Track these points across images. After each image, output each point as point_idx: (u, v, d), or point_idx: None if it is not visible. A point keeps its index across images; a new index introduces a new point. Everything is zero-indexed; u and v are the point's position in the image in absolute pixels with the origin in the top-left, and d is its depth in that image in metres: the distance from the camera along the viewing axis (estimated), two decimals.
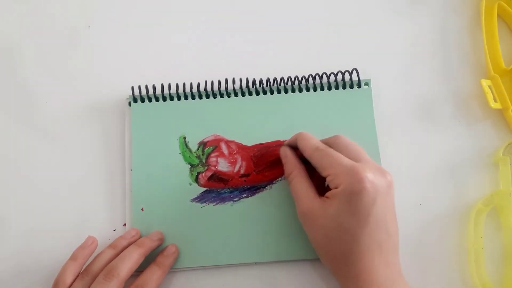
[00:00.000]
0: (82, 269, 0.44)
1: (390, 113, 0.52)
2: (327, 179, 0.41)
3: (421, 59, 0.54)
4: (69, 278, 0.43)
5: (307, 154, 0.44)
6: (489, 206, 0.48)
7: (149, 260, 0.46)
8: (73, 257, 0.44)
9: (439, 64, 0.54)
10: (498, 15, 0.55)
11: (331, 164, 0.41)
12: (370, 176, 0.39)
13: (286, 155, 0.46)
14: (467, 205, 0.49)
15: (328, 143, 0.44)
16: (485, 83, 0.51)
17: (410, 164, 0.50)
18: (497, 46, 0.54)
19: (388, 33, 0.55)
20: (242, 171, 0.49)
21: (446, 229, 0.48)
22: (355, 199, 0.39)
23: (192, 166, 0.50)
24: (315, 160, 0.43)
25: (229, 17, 0.57)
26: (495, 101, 0.51)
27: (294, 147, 0.47)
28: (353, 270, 0.40)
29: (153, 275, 0.44)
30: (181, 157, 0.50)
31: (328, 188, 0.42)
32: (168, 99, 0.52)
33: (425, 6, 0.56)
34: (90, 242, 0.46)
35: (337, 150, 0.42)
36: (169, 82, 0.52)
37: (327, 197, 0.41)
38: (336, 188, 0.40)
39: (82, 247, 0.45)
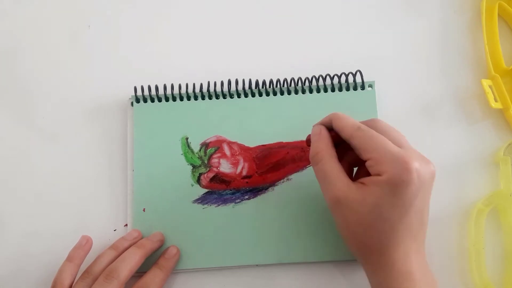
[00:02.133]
0: (84, 270, 0.44)
1: (393, 114, 0.52)
2: (368, 163, 0.38)
3: (423, 60, 0.54)
4: (67, 279, 0.43)
5: (347, 133, 0.40)
6: (490, 206, 0.48)
7: (151, 261, 0.46)
8: (69, 258, 0.45)
9: (440, 64, 0.54)
10: (499, 15, 0.55)
11: (375, 148, 0.38)
12: (417, 166, 0.36)
13: (321, 132, 0.42)
14: (468, 205, 0.49)
15: (368, 125, 0.40)
16: (486, 83, 0.51)
17: None
18: (498, 46, 0.54)
19: (390, 35, 0.55)
20: (244, 173, 0.49)
21: (446, 229, 0.49)
22: (401, 190, 0.36)
23: (194, 167, 0.50)
24: (356, 141, 0.39)
25: (232, 18, 0.57)
26: (496, 101, 0.51)
27: (327, 129, 0.43)
28: (387, 259, 0.38)
29: (155, 277, 0.44)
30: (183, 158, 0.50)
31: (360, 174, 0.40)
32: (170, 100, 0.51)
33: (426, 6, 0.56)
34: (84, 242, 0.46)
35: (379, 131, 0.40)
36: (171, 82, 0.52)
37: (363, 183, 0.38)
38: (378, 175, 0.37)
39: (76, 248, 0.46)
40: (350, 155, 0.43)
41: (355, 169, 0.44)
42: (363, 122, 0.41)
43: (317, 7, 0.57)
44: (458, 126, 0.52)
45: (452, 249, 0.48)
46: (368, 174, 0.39)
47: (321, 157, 0.41)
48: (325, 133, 0.42)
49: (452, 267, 0.48)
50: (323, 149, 0.41)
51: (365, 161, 0.39)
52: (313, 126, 0.44)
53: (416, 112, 0.52)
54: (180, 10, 0.57)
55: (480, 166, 0.51)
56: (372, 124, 0.41)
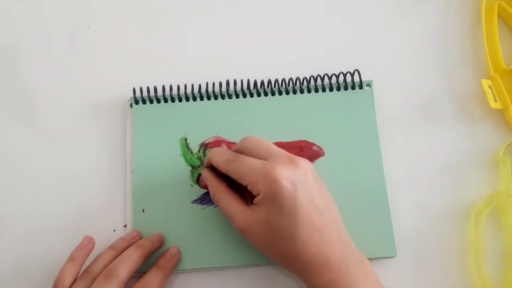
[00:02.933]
0: (82, 270, 0.44)
1: (392, 114, 0.52)
2: (248, 188, 0.41)
3: (422, 60, 0.54)
4: (68, 279, 0.43)
5: (222, 170, 0.43)
6: (489, 206, 0.48)
7: (150, 261, 0.46)
8: (71, 258, 0.45)
9: (440, 64, 0.54)
10: (498, 15, 0.55)
11: (245, 174, 0.41)
12: (282, 172, 0.39)
13: (206, 177, 0.46)
14: (467, 205, 0.49)
15: (239, 149, 0.44)
16: (485, 83, 0.51)
17: (411, 164, 0.51)
18: (497, 46, 0.54)
19: (389, 34, 0.55)
20: None
21: (446, 229, 0.49)
22: (278, 199, 0.39)
23: (193, 167, 0.50)
24: (231, 174, 0.42)
25: (230, 18, 0.57)
26: (495, 101, 0.51)
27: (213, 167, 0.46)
28: (303, 260, 0.40)
29: (155, 278, 0.44)
30: (182, 158, 0.50)
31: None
32: (169, 101, 0.52)
33: (426, 6, 0.56)
34: (87, 242, 0.46)
35: (247, 153, 0.42)
36: (170, 83, 0.52)
37: (255, 204, 0.41)
38: (258, 194, 0.40)
39: (79, 248, 0.46)
40: None
41: None
42: (236, 145, 0.44)
43: (316, 7, 0.57)
44: (457, 126, 0.52)
45: (452, 249, 0.48)
46: None
47: (217, 198, 0.44)
48: (209, 175, 0.46)
49: (452, 267, 0.47)
50: (215, 190, 0.45)
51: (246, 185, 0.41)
52: (201, 172, 0.48)
53: (415, 112, 0.52)
54: (179, 11, 0.57)
55: (480, 166, 0.50)
56: (241, 145, 0.44)
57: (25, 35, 0.57)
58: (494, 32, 0.54)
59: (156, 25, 0.57)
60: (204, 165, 0.47)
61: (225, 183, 0.45)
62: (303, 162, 0.41)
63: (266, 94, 0.52)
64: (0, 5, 0.58)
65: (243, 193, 0.44)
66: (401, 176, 0.50)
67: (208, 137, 0.50)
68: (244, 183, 0.41)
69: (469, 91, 0.53)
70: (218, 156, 0.44)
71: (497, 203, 0.48)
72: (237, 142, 0.49)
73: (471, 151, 0.51)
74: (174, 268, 0.46)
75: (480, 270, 0.46)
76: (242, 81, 0.52)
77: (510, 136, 0.51)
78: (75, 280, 0.43)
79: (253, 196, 0.41)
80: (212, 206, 0.48)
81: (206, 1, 0.57)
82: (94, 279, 0.43)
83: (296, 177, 0.39)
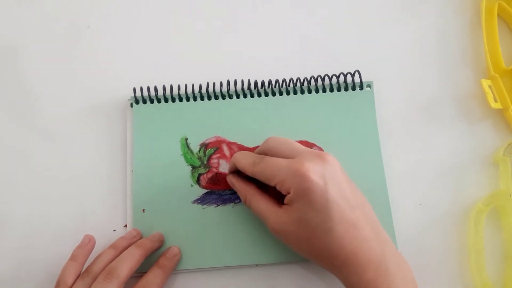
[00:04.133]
0: (83, 269, 0.44)
1: (392, 114, 0.52)
2: (277, 188, 0.41)
3: (422, 60, 0.54)
4: (70, 279, 0.43)
5: (248, 172, 0.43)
6: (489, 206, 0.48)
7: (151, 261, 0.46)
8: (72, 257, 0.45)
9: (440, 65, 0.54)
10: (498, 15, 0.55)
11: (273, 174, 0.41)
12: (311, 167, 0.39)
13: (233, 183, 0.46)
14: (467, 205, 0.49)
15: (263, 150, 0.44)
16: (485, 83, 0.51)
17: (411, 164, 0.51)
18: (497, 46, 0.54)
19: (389, 35, 0.55)
20: None
21: (446, 229, 0.49)
22: (309, 195, 0.38)
23: (193, 167, 0.50)
24: (258, 176, 0.42)
25: (231, 18, 0.57)
26: (495, 101, 0.51)
27: (239, 171, 0.46)
28: (340, 258, 0.39)
29: (156, 278, 0.44)
30: (182, 158, 0.50)
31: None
32: (170, 101, 0.52)
33: (426, 6, 0.56)
34: (87, 241, 0.46)
35: (271, 154, 0.42)
36: (171, 83, 0.52)
37: (287, 204, 0.41)
38: (288, 193, 0.40)
39: (80, 247, 0.46)
40: None
41: None
42: (260, 147, 0.44)
43: (316, 7, 0.57)
44: (457, 126, 0.52)
45: (452, 249, 0.48)
46: None
47: (249, 201, 0.44)
48: (236, 181, 0.46)
49: (452, 267, 0.47)
50: (245, 194, 0.44)
51: (274, 186, 0.41)
52: (226, 178, 0.48)
53: (415, 112, 0.52)
54: (179, 10, 0.57)
55: (480, 166, 0.51)
56: (265, 147, 0.44)
57: (25, 35, 0.57)
58: (494, 32, 0.54)
59: (156, 25, 0.57)
60: (229, 170, 0.47)
61: (254, 185, 0.45)
62: (331, 157, 0.41)
63: (266, 95, 0.52)
64: (0, 5, 0.58)
65: (271, 194, 0.44)
66: (402, 176, 0.50)
67: (208, 137, 0.50)
68: (272, 184, 0.41)
69: (469, 91, 0.53)
70: (243, 160, 0.44)
71: (497, 203, 0.48)
72: (238, 142, 0.50)
73: (471, 151, 0.51)
74: (175, 268, 0.46)
75: (480, 270, 0.46)
76: (242, 81, 0.52)
77: (510, 136, 0.51)
78: (76, 279, 0.43)
79: (283, 197, 0.41)
80: (212, 206, 0.48)
81: (206, 1, 0.57)
82: (95, 278, 0.43)
83: (325, 172, 0.39)
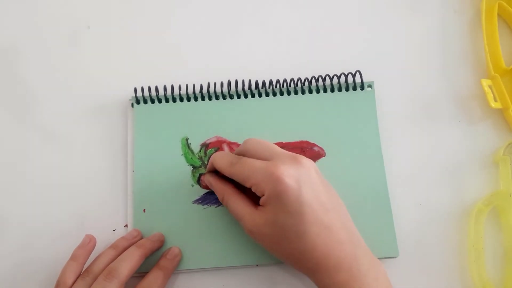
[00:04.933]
0: (83, 269, 0.44)
1: (393, 114, 0.52)
2: (252, 189, 0.41)
3: (422, 60, 0.54)
4: (70, 279, 0.43)
5: (226, 172, 0.43)
6: (489, 206, 0.48)
7: (151, 261, 0.46)
8: (73, 257, 0.45)
9: (440, 64, 0.54)
10: (499, 15, 0.55)
11: (248, 175, 0.41)
12: (285, 170, 0.39)
13: (211, 183, 0.46)
14: (467, 205, 0.49)
15: (241, 151, 0.44)
16: (486, 82, 0.51)
17: (412, 164, 0.51)
18: (498, 45, 0.54)
19: (390, 35, 0.56)
20: None
21: (446, 229, 0.49)
22: (283, 198, 0.38)
23: (194, 167, 0.50)
24: (235, 176, 0.42)
25: (232, 18, 0.57)
26: (496, 101, 0.51)
27: (217, 171, 0.46)
28: (312, 261, 0.39)
29: (156, 279, 0.44)
30: (183, 158, 0.50)
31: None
32: (171, 101, 0.52)
33: (426, 6, 0.56)
34: (87, 241, 0.46)
35: (249, 155, 0.42)
36: (172, 83, 0.52)
37: (262, 206, 0.41)
38: (263, 195, 0.40)
39: (80, 247, 0.46)
40: None
41: None
42: (239, 148, 0.44)
43: (316, 7, 0.57)
44: (458, 126, 0.52)
45: (452, 249, 0.48)
46: None
47: (226, 201, 0.44)
48: (214, 180, 0.46)
49: (452, 267, 0.48)
50: (223, 194, 0.44)
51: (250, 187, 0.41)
52: (204, 178, 0.48)
53: (415, 112, 0.52)
54: (180, 11, 0.57)
55: (480, 166, 0.51)
56: (243, 148, 0.44)
57: (25, 35, 0.56)
58: (494, 32, 0.54)
59: (156, 25, 0.57)
60: (207, 169, 0.47)
61: (231, 185, 0.45)
62: (306, 160, 0.41)
63: (267, 95, 0.52)
64: (0, 5, 0.58)
65: (248, 195, 0.44)
66: (402, 176, 0.50)
67: (209, 137, 0.50)
68: (247, 185, 0.41)
69: (469, 91, 0.53)
70: (221, 160, 0.44)
71: (497, 203, 0.48)
72: (239, 142, 0.50)
73: (472, 151, 0.51)
74: (175, 269, 0.46)
75: (480, 270, 0.46)
76: (243, 81, 0.52)
77: (510, 136, 0.51)
78: (77, 279, 0.43)
79: (259, 198, 0.41)
80: (213, 207, 0.48)
81: (207, 2, 0.57)
82: (95, 278, 0.43)
83: (300, 175, 0.39)
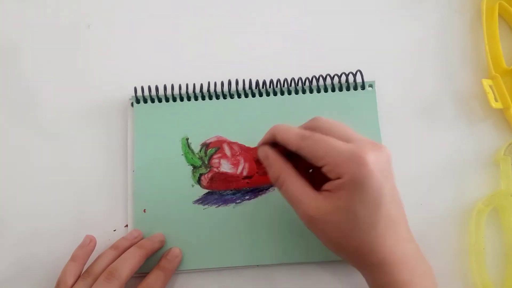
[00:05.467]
0: (84, 269, 0.44)
1: (393, 114, 0.52)
2: (324, 169, 0.37)
3: (423, 60, 0.54)
4: (70, 279, 0.43)
5: (293, 145, 0.39)
6: (490, 206, 0.48)
7: (152, 262, 0.46)
8: (73, 258, 0.45)
9: (441, 64, 0.54)
10: (499, 15, 0.55)
11: (326, 152, 0.37)
12: (372, 157, 0.36)
13: (267, 155, 0.42)
14: (468, 205, 0.49)
15: (311, 127, 0.40)
16: (486, 82, 0.51)
17: (412, 164, 0.51)
18: (498, 45, 0.54)
19: (391, 35, 0.55)
20: (245, 173, 0.49)
21: (446, 229, 0.49)
22: (365, 185, 0.36)
23: (194, 167, 0.50)
24: (305, 151, 0.38)
25: (232, 18, 0.57)
26: (496, 100, 0.51)
27: (273, 145, 0.42)
28: (377, 256, 0.37)
29: (157, 280, 0.44)
30: (183, 158, 0.50)
31: (324, 179, 0.38)
32: (171, 100, 0.51)
33: (426, 6, 0.56)
34: (88, 242, 0.46)
35: (323, 132, 0.39)
36: (172, 82, 0.52)
37: (328, 190, 0.37)
38: (338, 178, 0.36)
39: (80, 247, 0.46)
40: (305, 161, 0.40)
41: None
42: (305, 125, 0.41)
43: (317, 7, 0.57)
44: (458, 126, 0.52)
45: (452, 249, 0.48)
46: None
47: (282, 181, 0.40)
48: (273, 154, 0.41)
49: (452, 267, 0.48)
50: (280, 172, 0.40)
51: (321, 167, 0.38)
52: (258, 149, 0.43)
53: (416, 112, 0.52)
54: (180, 10, 0.57)
55: (480, 166, 0.51)
56: (314, 124, 0.40)
57: (25, 35, 0.56)
58: (495, 31, 0.54)
59: (157, 24, 0.57)
60: (263, 140, 0.43)
61: (290, 164, 0.41)
62: (386, 148, 0.38)
63: (268, 94, 0.52)
64: (1, 5, 0.58)
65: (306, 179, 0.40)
66: (402, 176, 0.50)
67: (209, 137, 0.50)
68: (319, 164, 0.37)
69: (470, 91, 0.53)
70: (287, 131, 0.40)
71: (498, 203, 0.48)
72: (239, 142, 0.50)
73: (472, 151, 0.51)
74: (176, 269, 0.46)
75: (480, 270, 0.47)
76: (244, 81, 0.52)
77: (510, 135, 0.51)
78: (77, 280, 0.43)
79: (321, 183, 0.38)
80: (213, 207, 0.48)
81: (207, 1, 0.57)
82: (96, 279, 0.43)
83: (383, 164, 0.37)
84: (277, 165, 0.41)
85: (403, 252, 0.38)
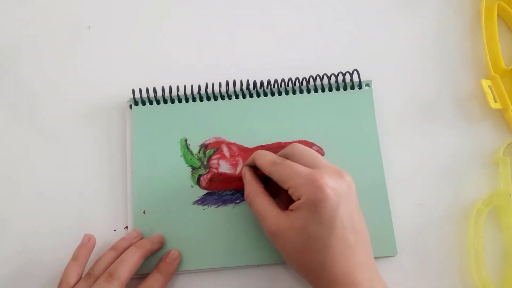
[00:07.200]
0: (85, 271, 0.44)
1: (391, 114, 0.52)
2: (289, 191, 0.41)
3: (422, 60, 0.54)
4: (72, 278, 0.43)
5: (266, 170, 0.43)
6: (489, 206, 0.48)
7: (152, 263, 0.46)
8: (74, 257, 0.45)
9: (439, 65, 0.54)
10: (498, 15, 0.55)
11: (289, 176, 0.41)
12: (329, 181, 0.39)
13: (245, 175, 0.46)
14: (467, 205, 0.49)
15: (285, 154, 0.44)
16: (485, 83, 0.51)
17: (411, 164, 0.51)
18: (497, 46, 0.54)
19: (389, 34, 0.55)
20: None
21: (446, 229, 0.49)
22: (319, 207, 0.38)
23: (193, 168, 0.50)
24: (274, 175, 0.42)
25: (230, 18, 0.57)
26: (495, 101, 0.51)
27: (255, 167, 0.46)
28: (329, 277, 0.39)
29: (156, 282, 0.45)
30: (182, 159, 0.50)
31: (292, 201, 0.41)
32: (169, 102, 0.52)
33: (425, 6, 0.56)
34: (87, 240, 0.47)
35: (293, 160, 0.42)
36: (170, 84, 0.52)
37: (291, 210, 0.41)
38: (298, 199, 0.40)
39: (80, 246, 0.46)
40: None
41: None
42: (283, 151, 0.44)
43: (315, 6, 0.57)
44: (457, 126, 0.52)
45: (452, 249, 0.48)
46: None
47: (251, 198, 0.44)
48: (249, 174, 0.46)
49: (452, 267, 0.48)
50: (251, 190, 0.44)
51: (287, 189, 0.41)
52: (242, 168, 0.48)
53: (414, 112, 0.52)
54: (179, 12, 0.57)
55: (480, 166, 0.51)
56: (289, 151, 0.44)
57: (26, 35, 0.57)
58: (494, 32, 0.54)
59: (156, 26, 0.57)
60: (246, 162, 0.47)
61: (262, 185, 0.45)
62: (349, 177, 0.41)
63: (266, 95, 0.52)
64: (1, 5, 0.58)
65: (278, 198, 0.45)
66: (401, 176, 0.50)
67: (208, 138, 0.50)
68: (285, 186, 0.41)
69: (469, 91, 0.53)
70: (264, 157, 0.44)
71: (497, 203, 0.48)
72: (238, 142, 0.50)
73: (471, 151, 0.51)
74: (175, 272, 0.46)
75: (480, 270, 0.46)
76: (242, 81, 0.52)
77: (510, 136, 0.51)
78: (79, 278, 0.44)
79: (289, 203, 0.41)
80: (213, 207, 0.48)
81: (205, 2, 0.57)
82: (96, 280, 0.43)
83: (341, 190, 0.39)
84: (249, 184, 0.45)
85: (356, 276, 0.39)
